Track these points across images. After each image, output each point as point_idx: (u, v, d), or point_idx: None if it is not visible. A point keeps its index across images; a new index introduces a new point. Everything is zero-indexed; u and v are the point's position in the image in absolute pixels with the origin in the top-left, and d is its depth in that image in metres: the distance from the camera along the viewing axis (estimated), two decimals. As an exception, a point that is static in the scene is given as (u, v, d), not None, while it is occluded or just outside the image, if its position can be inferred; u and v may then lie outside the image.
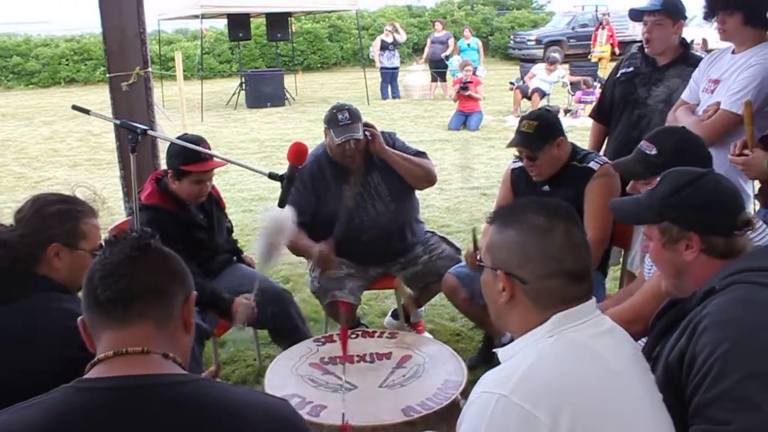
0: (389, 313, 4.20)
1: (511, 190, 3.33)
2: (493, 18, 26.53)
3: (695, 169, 1.75)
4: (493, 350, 1.61)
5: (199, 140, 3.02)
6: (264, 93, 14.94)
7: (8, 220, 2.04)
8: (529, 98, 12.33)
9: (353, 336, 2.80)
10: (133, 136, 2.75)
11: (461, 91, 11.44)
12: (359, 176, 3.49)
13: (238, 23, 15.26)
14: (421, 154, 3.62)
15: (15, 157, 10.22)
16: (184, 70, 13.31)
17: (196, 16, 15.02)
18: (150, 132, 2.86)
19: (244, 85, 15.33)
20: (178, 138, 3.05)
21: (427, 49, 16.35)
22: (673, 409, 1.48)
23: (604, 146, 3.81)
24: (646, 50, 3.54)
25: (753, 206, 2.83)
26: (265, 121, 13.08)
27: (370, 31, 23.34)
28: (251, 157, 9.54)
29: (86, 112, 2.89)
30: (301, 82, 17.58)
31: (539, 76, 12.51)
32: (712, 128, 2.91)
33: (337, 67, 23.91)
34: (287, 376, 2.50)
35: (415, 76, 16.34)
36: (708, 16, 3.05)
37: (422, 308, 4.07)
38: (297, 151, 2.53)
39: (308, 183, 3.48)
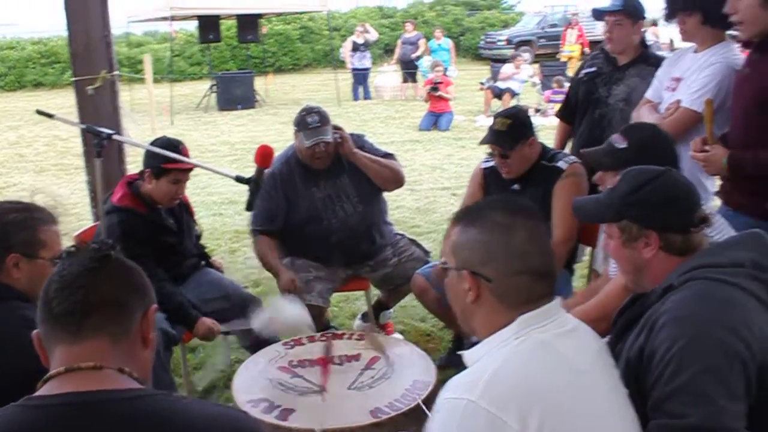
0: (359, 316, 4.20)
1: (481, 188, 3.35)
2: (464, 18, 26.65)
3: (653, 167, 1.78)
4: (458, 353, 1.62)
5: (177, 143, 3.02)
6: (235, 95, 14.85)
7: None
8: (500, 98, 12.42)
9: (322, 338, 2.80)
10: (98, 141, 2.73)
11: (432, 92, 11.48)
12: (328, 178, 3.49)
13: (209, 25, 15.15)
14: (389, 156, 3.64)
15: (-20, 163, 10.06)
16: (154, 73, 13.20)
17: (166, 18, 14.88)
18: (116, 137, 2.84)
19: (214, 87, 15.23)
20: (158, 139, 3.03)
21: (398, 50, 16.39)
22: (635, 405, 1.51)
23: (569, 145, 3.86)
24: (607, 48, 3.62)
25: (713, 203, 2.88)
26: (235, 123, 13.00)
27: (342, 32, 23.30)
28: (222, 160, 9.49)
29: (50, 116, 2.87)
30: (271, 83, 17.49)
31: (511, 74, 12.61)
32: (674, 125, 2.96)
33: (308, 69, 23.85)
34: (256, 381, 2.49)
35: (387, 77, 16.35)
36: (668, 17, 3.11)
37: (391, 309, 4.08)
38: (264, 154, 2.53)
39: (278, 185, 3.48)
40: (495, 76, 13.62)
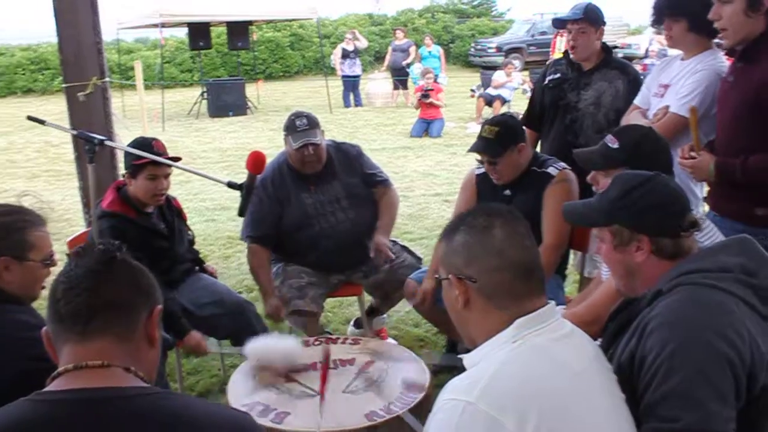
0: (352, 322, 4.21)
1: (475, 194, 3.38)
2: (454, 26, 26.77)
3: (644, 172, 1.80)
4: (458, 356, 1.64)
5: (150, 141, 3.03)
6: (226, 102, 14.85)
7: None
8: (491, 105, 12.48)
9: (316, 343, 2.81)
10: (90, 147, 2.73)
11: (423, 99, 11.53)
12: (319, 184, 3.51)
13: (199, 32, 15.16)
14: (386, 182, 3.73)
15: (-30, 169, 10.02)
16: (145, 80, 13.20)
17: (156, 25, 14.88)
18: (107, 142, 2.84)
19: (205, 94, 15.22)
20: (134, 140, 3.04)
21: (388, 57, 16.44)
22: (628, 409, 1.52)
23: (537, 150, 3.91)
24: (571, 57, 3.70)
25: (703, 208, 2.91)
26: (227, 130, 13.00)
27: (332, 40, 23.37)
28: (213, 166, 9.49)
29: (42, 122, 2.87)
30: (261, 90, 17.50)
31: (502, 82, 12.68)
32: (662, 130, 2.98)
33: (299, 76, 23.87)
34: (251, 384, 2.49)
35: (377, 84, 16.39)
36: (655, 22, 3.15)
37: (385, 315, 4.09)
38: (255, 160, 2.53)
39: (270, 191, 3.49)
40: (485, 84, 13.68)
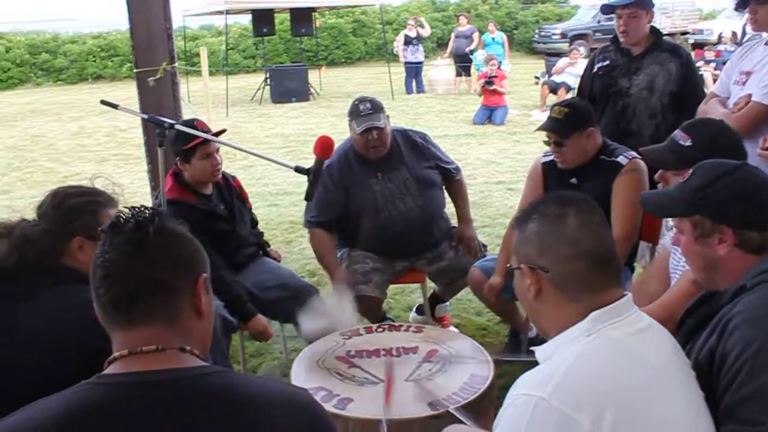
0: (414, 308, 4.20)
1: (542, 183, 3.32)
2: (518, 12, 26.37)
3: (729, 161, 1.71)
4: (531, 348, 1.60)
5: (192, 121, 3.06)
6: (288, 88, 14.99)
7: (37, 214, 2.06)
8: (556, 92, 12.26)
9: (379, 330, 2.80)
10: (160, 131, 2.77)
11: (486, 86, 11.39)
12: (387, 171, 3.50)
13: (263, 19, 15.32)
14: (457, 171, 3.77)
15: (44, 153, 10.36)
16: (209, 66, 13.39)
17: (221, 12, 15.10)
18: (177, 126, 2.88)
19: (268, 80, 15.39)
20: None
21: (451, 44, 16.27)
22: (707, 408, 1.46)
23: None
24: (622, 42, 3.61)
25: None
26: (289, 116, 13.12)
27: (394, 26, 23.30)
28: (276, 151, 9.58)
29: (114, 107, 2.92)
30: (324, 76, 17.59)
31: (567, 70, 12.45)
32: (742, 121, 2.87)
33: (361, 62, 23.91)
34: (313, 369, 2.50)
35: (440, 70, 16.28)
36: (740, 6, 3.02)
37: (448, 302, 4.07)
38: (324, 145, 2.52)
39: (336, 178, 3.49)
40: (549, 71, 13.45)
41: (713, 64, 13.24)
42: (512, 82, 13.78)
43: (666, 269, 2.52)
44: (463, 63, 15.64)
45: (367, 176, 3.50)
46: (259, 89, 15.52)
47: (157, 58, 4.17)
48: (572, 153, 3.10)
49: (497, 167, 8.15)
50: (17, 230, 1.92)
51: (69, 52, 22.31)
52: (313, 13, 16.42)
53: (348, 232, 3.57)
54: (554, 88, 12.40)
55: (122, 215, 1.31)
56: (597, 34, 22.39)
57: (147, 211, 1.31)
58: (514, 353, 3.51)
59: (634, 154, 3.14)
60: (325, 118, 12.59)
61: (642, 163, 3.08)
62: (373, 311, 3.55)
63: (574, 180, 3.17)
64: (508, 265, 1.62)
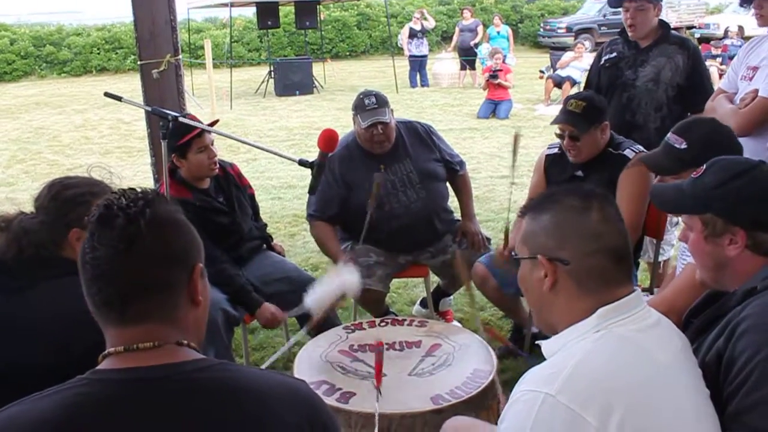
0: (418, 302, 4.19)
1: (543, 175, 3.31)
2: (523, 5, 26.25)
3: (745, 159, 1.68)
4: (536, 342, 1.58)
5: (183, 115, 3.01)
6: (293, 81, 14.97)
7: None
8: (560, 87, 12.22)
9: (383, 324, 2.80)
10: (164, 123, 2.76)
11: (491, 80, 11.36)
12: (390, 164, 3.49)
13: (267, 11, 15.30)
14: (463, 164, 3.80)
15: (48, 145, 10.36)
16: (213, 59, 13.38)
17: (225, 5, 15.08)
18: (181, 119, 2.87)
19: (272, 73, 15.36)
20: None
21: (455, 37, 16.24)
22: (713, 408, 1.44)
23: None
24: (629, 35, 3.61)
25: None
26: (293, 109, 13.10)
27: (399, 19, 23.23)
28: (280, 144, 9.57)
29: (119, 99, 2.91)
30: (329, 70, 17.57)
31: (572, 64, 12.40)
32: (749, 116, 2.86)
33: (365, 55, 23.85)
34: (316, 363, 2.50)
35: (444, 64, 16.25)
36: (745, 2, 3.00)
37: (451, 297, 4.06)
38: (328, 138, 2.51)
39: (337, 172, 3.48)
40: (554, 65, 13.40)
41: (719, 59, 13.20)
42: (517, 76, 13.74)
43: None
44: (467, 56, 15.60)
45: (370, 169, 3.48)
46: (263, 82, 15.50)
47: (161, 50, 4.16)
48: (587, 147, 3.10)
49: (501, 161, 8.13)
50: (15, 223, 1.91)
51: (73, 44, 22.27)
52: (317, 6, 16.39)
53: (351, 226, 3.56)
54: (559, 82, 12.36)
55: (111, 204, 1.21)
56: (602, 28, 22.29)
57: (139, 197, 1.23)
58: (518, 349, 3.51)
59: (640, 147, 3.13)
60: (329, 111, 12.58)
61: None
62: (376, 305, 3.55)
63: (580, 172, 3.16)
64: (514, 253, 1.57)
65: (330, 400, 2.20)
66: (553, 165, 3.29)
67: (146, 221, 1.19)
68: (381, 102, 3.40)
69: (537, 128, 10.12)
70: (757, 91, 2.89)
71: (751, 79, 2.99)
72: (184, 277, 1.24)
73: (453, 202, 3.80)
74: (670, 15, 20.49)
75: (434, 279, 3.89)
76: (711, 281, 1.70)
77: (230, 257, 3.21)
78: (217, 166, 3.20)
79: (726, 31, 16.13)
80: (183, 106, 4.25)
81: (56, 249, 1.92)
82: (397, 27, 20.64)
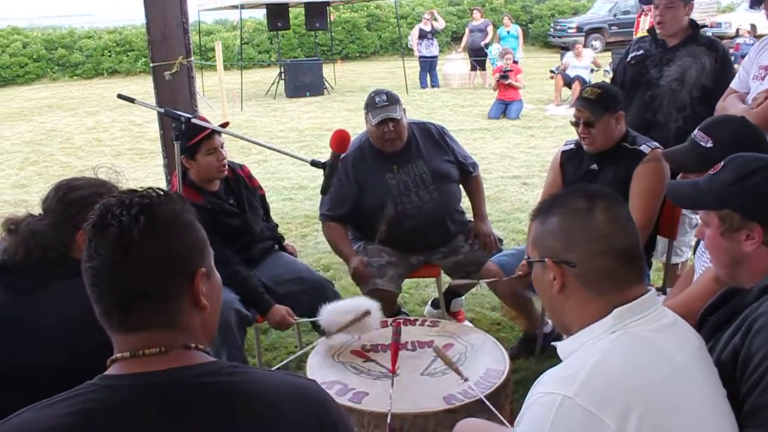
0: (429, 302, 4.19)
1: (560, 171, 3.31)
2: (533, 5, 26.20)
3: (763, 156, 1.66)
4: (552, 343, 1.58)
5: (194, 116, 3.03)
6: (303, 82, 15.00)
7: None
8: (570, 86, 12.20)
9: (394, 324, 2.79)
10: (177, 125, 2.77)
11: (501, 80, 11.35)
12: (403, 164, 3.49)
13: (277, 13, 15.34)
14: (476, 166, 3.79)
15: (61, 147, 10.43)
16: (223, 60, 13.42)
17: (236, 7, 15.12)
18: (194, 120, 2.88)
19: (283, 74, 15.40)
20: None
21: (465, 38, 16.23)
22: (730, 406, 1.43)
23: None
24: (658, 33, 3.59)
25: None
26: (304, 110, 13.13)
27: (409, 20, 23.24)
28: (291, 146, 9.59)
29: (132, 100, 2.92)
30: (339, 71, 17.59)
31: (572, 63, 12.39)
32: (762, 116, 2.84)
33: (375, 56, 23.87)
34: (329, 363, 2.51)
35: (455, 64, 16.25)
36: (755, 3, 2.98)
37: (463, 297, 4.06)
38: (340, 139, 2.51)
39: (350, 172, 3.49)
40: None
41: (732, 58, 13.13)
42: (527, 76, 13.73)
43: None
44: (477, 57, 15.58)
45: (383, 170, 3.49)
46: (273, 84, 15.55)
47: (173, 52, 4.17)
48: (601, 135, 3.09)
49: (512, 161, 8.11)
50: (23, 225, 1.91)
51: (85, 47, 22.42)
52: (327, 8, 16.41)
53: (363, 226, 3.57)
54: (569, 82, 12.33)
55: (106, 211, 1.20)
56: (613, 27, 22.25)
57: (134, 203, 1.20)
58: (529, 349, 3.51)
59: (656, 144, 3.12)
60: (339, 112, 12.60)
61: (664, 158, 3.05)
62: (388, 305, 3.55)
63: (594, 166, 3.16)
64: (526, 257, 1.59)
65: (343, 400, 2.21)
66: (568, 161, 3.29)
67: (140, 229, 1.16)
68: (392, 100, 3.41)
69: (548, 128, 10.10)
70: (768, 90, 2.88)
71: (763, 78, 2.97)
72: (185, 282, 1.22)
73: (465, 203, 3.80)
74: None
75: (446, 279, 3.89)
76: (727, 278, 1.69)
77: (242, 258, 3.22)
78: (227, 168, 3.21)
79: (738, 30, 16.03)
80: (195, 107, 4.27)
81: (65, 250, 1.92)
82: (407, 28, 20.65)
